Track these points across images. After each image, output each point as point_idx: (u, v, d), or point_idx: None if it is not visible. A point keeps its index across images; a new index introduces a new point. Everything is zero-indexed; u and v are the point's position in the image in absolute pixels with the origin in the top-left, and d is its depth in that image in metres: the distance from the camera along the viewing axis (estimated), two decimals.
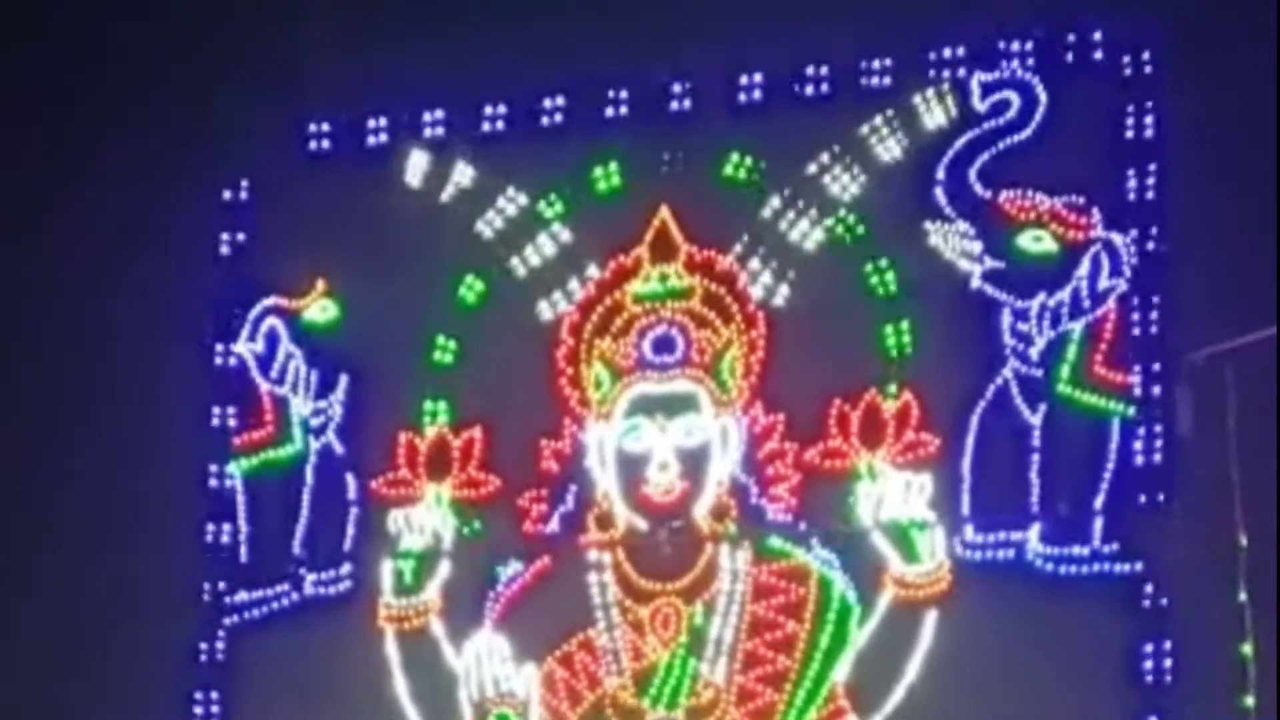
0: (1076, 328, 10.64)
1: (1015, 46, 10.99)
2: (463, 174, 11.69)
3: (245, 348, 11.91)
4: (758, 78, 11.33)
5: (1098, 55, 10.86)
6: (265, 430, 11.82)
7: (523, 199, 11.57)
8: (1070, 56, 10.94)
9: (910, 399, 10.79)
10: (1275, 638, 9.60)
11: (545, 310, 11.45)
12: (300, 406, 11.74)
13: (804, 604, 10.72)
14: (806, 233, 11.12)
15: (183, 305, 11.86)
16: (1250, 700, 9.56)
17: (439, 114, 11.84)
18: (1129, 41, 10.78)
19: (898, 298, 10.90)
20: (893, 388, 10.79)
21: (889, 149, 11.09)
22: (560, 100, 11.65)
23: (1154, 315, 10.57)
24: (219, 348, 11.88)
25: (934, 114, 11.03)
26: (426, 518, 11.30)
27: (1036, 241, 10.77)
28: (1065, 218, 10.75)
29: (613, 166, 11.50)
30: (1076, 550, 10.41)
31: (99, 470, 11.79)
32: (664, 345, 11.15)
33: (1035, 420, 10.62)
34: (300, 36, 11.78)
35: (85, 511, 11.76)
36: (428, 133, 11.84)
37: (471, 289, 11.57)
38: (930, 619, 10.54)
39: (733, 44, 11.35)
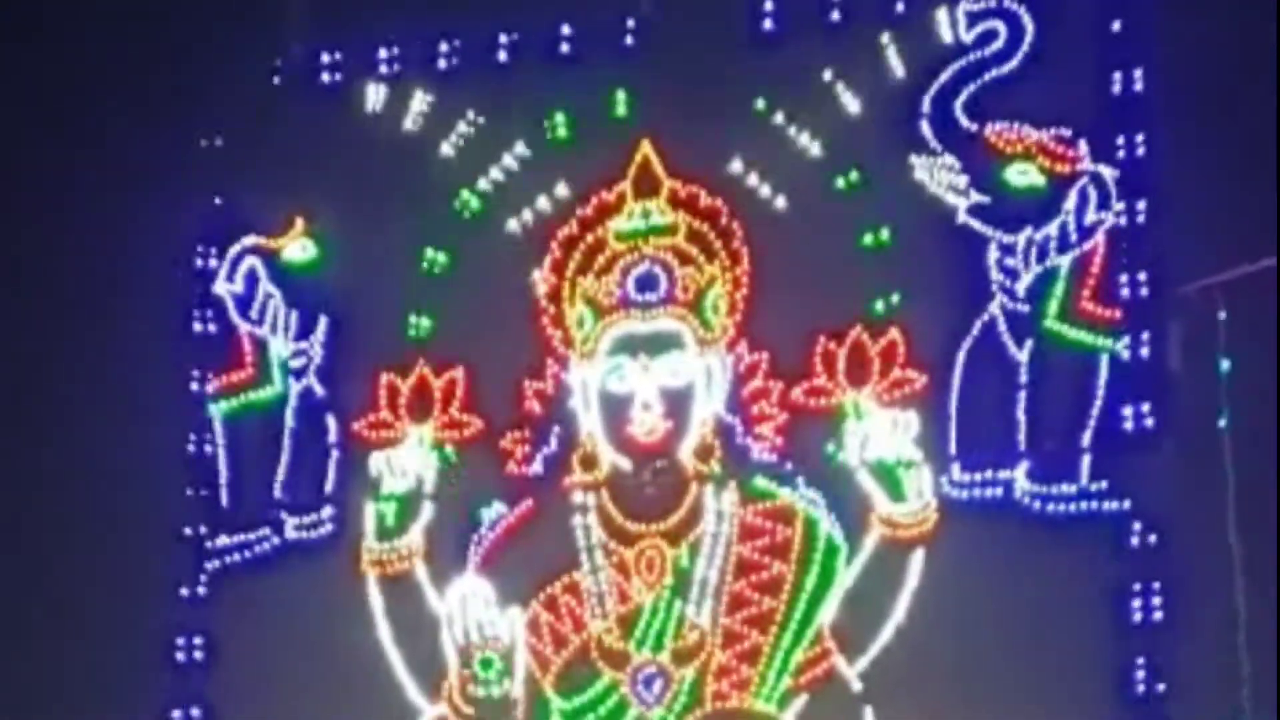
0: (1064, 262, 10.52)
1: None
2: (422, 101, 11.56)
3: (224, 288, 11.80)
4: None
5: None
6: (245, 372, 11.72)
7: (482, 121, 11.46)
8: None
9: (896, 335, 10.67)
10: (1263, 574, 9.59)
11: (514, 227, 11.36)
12: (280, 348, 11.65)
13: (790, 545, 10.62)
14: (808, 145, 10.99)
15: (161, 255, 11.72)
16: (1242, 637, 9.53)
17: (395, 50, 11.74)
18: None
19: (888, 247, 10.75)
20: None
21: (894, 68, 10.94)
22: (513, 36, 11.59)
23: (1143, 248, 10.42)
24: (196, 314, 11.78)
25: (948, 28, 10.88)
26: (409, 460, 11.19)
27: (1023, 175, 10.65)
28: (1052, 150, 10.62)
29: (620, 95, 11.37)
30: (1064, 488, 10.30)
31: (81, 416, 11.68)
32: (647, 283, 11.02)
33: (1022, 357, 10.51)
34: None
35: (66, 456, 11.65)
36: (383, 69, 11.73)
37: (468, 205, 11.47)
38: (917, 559, 10.45)
39: None
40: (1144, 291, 10.39)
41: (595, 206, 11.23)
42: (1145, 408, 10.25)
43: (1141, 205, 10.45)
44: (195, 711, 11.38)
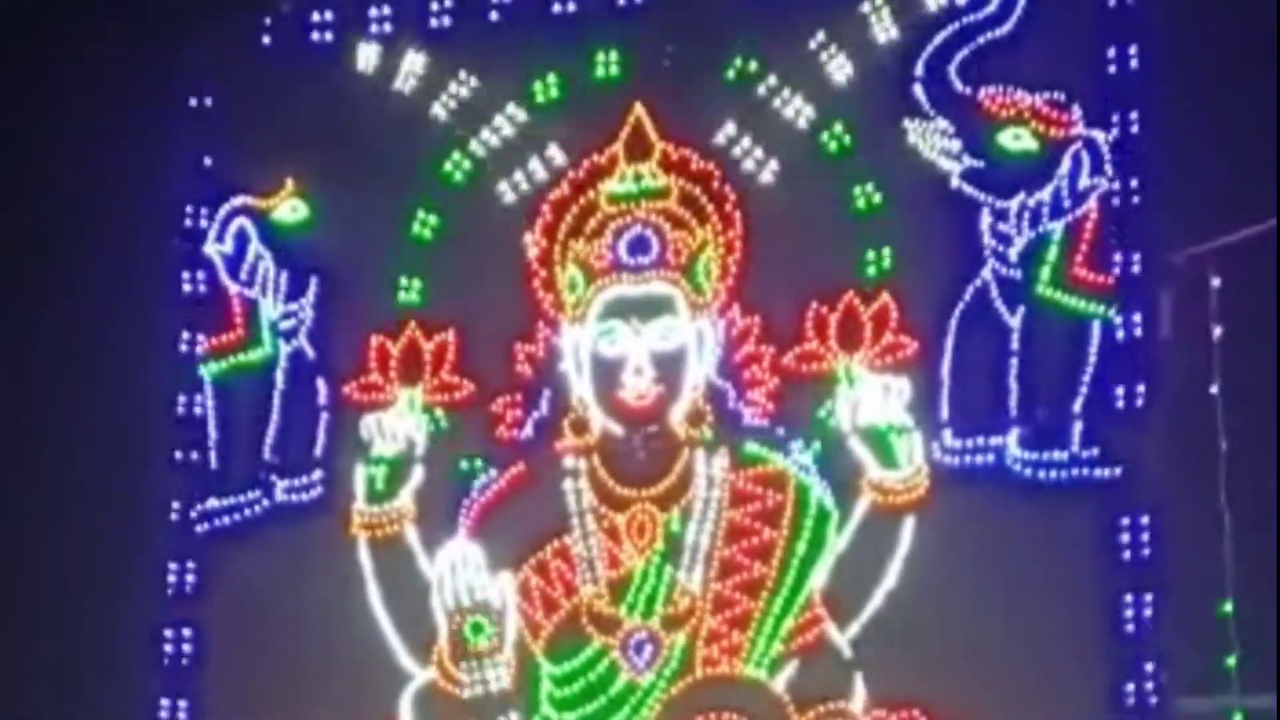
0: (1057, 228, 10.48)
1: None
2: (414, 62, 11.49)
3: (213, 249, 11.75)
4: None
5: None
6: (234, 333, 11.66)
7: (474, 82, 11.39)
8: None
9: (888, 300, 10.64)
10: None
11: (507, 192, 11.29)
12: (270, 309, 11.60)
13: (781, 510, 10.60)
14: (800, 109, 10.92)
15: (149, 215, 11.66)
16: (1229, 606, 9.55)
17: (385, 9, 11.67)
18: None
19: (881, 210, 10.71)
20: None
21: (886, 30, 10.87)
22: None
23: (1135, 215, 10.39)
24: (185, 275, 11.73)
25: None
26: (399, 423, 11.16)
27: (1016, 139, 10.60)
28: (1046, 115, 10.58)
29: (613, 55, 11.30)
30: (1056, 455, 10.28)
31: (67, 379, 11.63)
32: (639, 246, 10.98)
33: (1014, 323, 10.48)
34: None
35: (54, 419, 11.62)
36: (374, 28, 11.65)
37: (459, 167, 11.40)
38: (908, 525, 10.43)
39: None
40: (1136, 260, 10.37)
41: (587, 169, 11.18)
42: (1137, 373, 10.25)
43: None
44: (182, 704, 11.34)
